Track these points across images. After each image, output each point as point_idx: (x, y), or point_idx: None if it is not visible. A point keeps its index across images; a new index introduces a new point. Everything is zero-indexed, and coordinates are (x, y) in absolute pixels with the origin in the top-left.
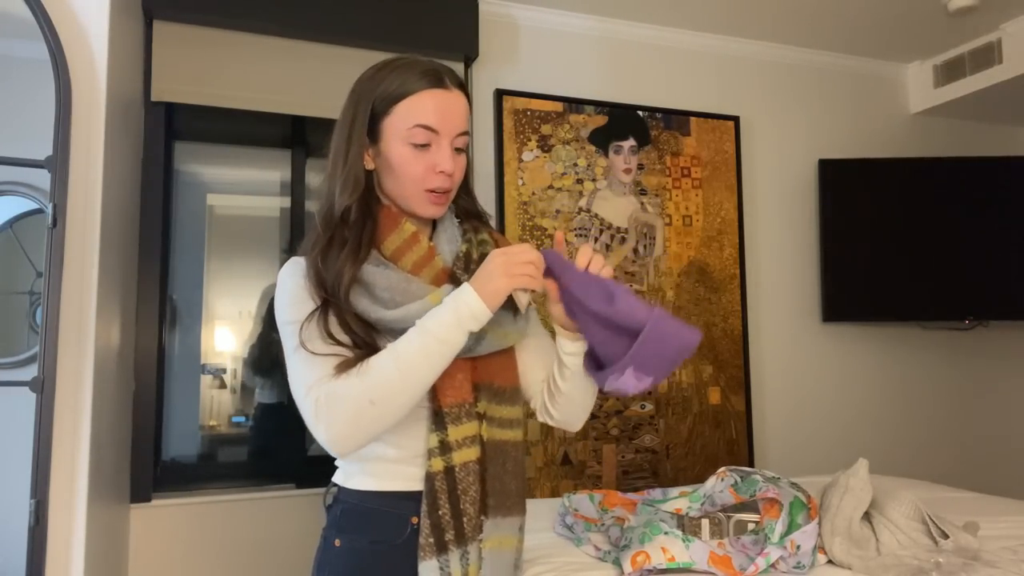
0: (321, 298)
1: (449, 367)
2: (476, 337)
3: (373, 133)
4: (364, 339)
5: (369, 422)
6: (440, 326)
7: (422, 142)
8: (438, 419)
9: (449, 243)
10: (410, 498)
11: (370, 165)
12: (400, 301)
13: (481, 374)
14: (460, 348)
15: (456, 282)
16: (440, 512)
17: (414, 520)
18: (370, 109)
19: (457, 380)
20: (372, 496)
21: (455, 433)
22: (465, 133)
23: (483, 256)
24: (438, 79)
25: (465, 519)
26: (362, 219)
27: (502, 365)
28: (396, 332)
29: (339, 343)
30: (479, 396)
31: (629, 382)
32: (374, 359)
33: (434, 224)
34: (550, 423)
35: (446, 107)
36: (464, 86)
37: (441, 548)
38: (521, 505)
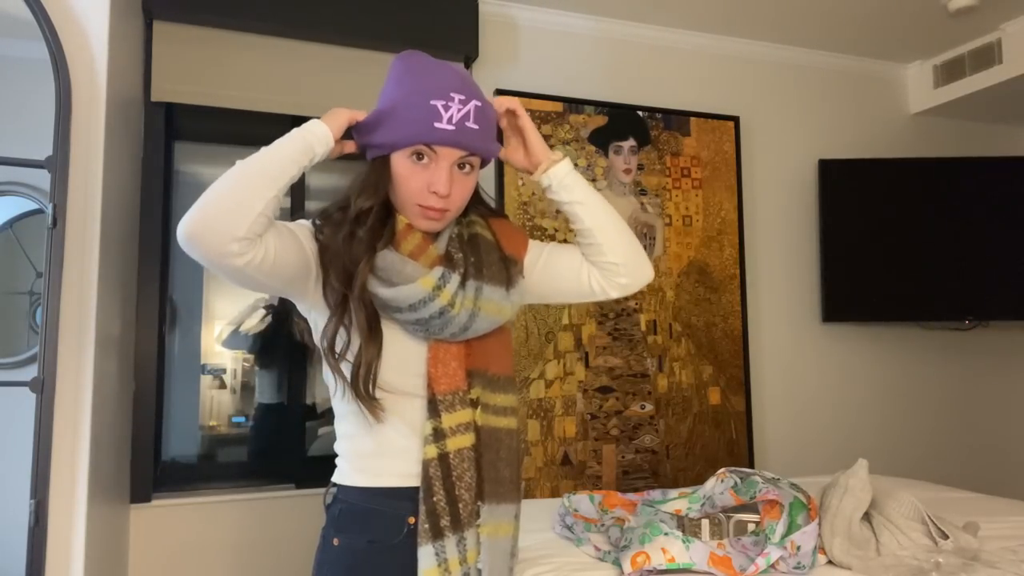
0: (321, 266)
1: (442, 354)
2: (470, 314)
3: None
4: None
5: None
6: (288, 140)
7: (422, 157)
8: (432, 407)
9: (443, 237)
10: (406, 496)
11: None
12: (396, 281)
13: (475, 361)
14: (303, 157)
15: (451, 262)
16: (435, 499)
17: (411, 520)
18: None
19: (451, 368)
20: (368, 494)
21: (449, 420)
22: (475, 154)
23: (472, 236)
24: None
25: (461, 505)
26: (380, 226)
27: (496, 352)
28: (390, 309)
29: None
30: (473, 383)
31: None
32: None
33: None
34: (621, 290)
35: None
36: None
37: (437, 534)
38: (516, 493)
